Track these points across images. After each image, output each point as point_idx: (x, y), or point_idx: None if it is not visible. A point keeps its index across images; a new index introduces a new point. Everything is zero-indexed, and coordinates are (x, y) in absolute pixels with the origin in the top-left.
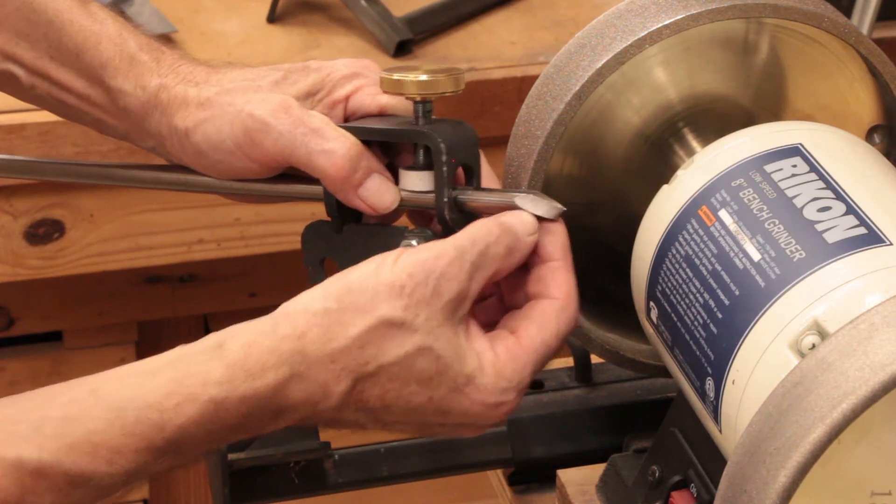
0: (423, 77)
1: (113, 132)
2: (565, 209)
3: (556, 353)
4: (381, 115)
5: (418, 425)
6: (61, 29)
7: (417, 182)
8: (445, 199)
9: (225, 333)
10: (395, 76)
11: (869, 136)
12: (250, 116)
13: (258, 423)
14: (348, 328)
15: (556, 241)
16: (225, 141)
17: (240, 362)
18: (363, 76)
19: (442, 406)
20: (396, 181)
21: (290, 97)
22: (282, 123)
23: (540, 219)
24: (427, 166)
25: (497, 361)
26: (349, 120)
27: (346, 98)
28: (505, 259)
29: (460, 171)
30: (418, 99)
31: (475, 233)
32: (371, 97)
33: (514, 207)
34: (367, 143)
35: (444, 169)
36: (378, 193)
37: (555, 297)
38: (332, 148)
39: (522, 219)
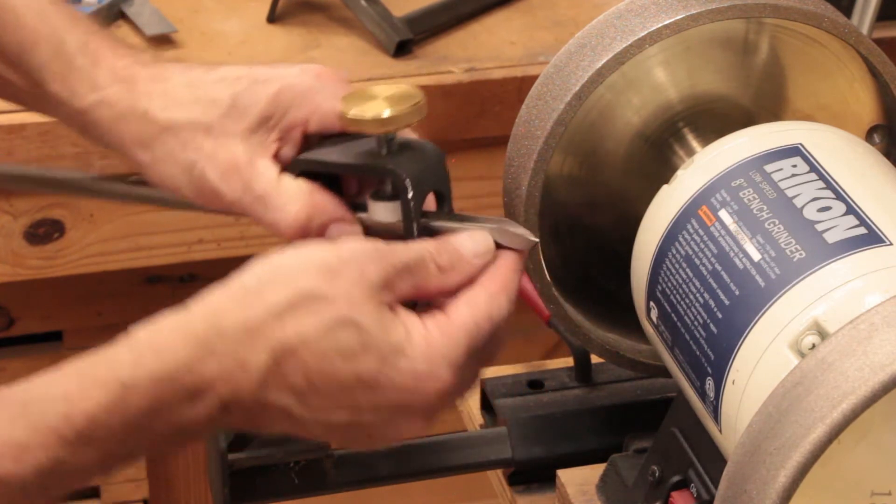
0: (385, 113)
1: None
2: (536, 241)
3: (492, 341)
4: (343, 133)
5: (349, 409)
6: (3, 26)
7: (386, 213)
8: (415, 234)
9: (135, 326)
10: (352, 113)
11: (869, 136)
12: (201, 178)
13: (175, 407)
14: (266, 300)
15: (507, 265)
16: (180, 189)
17: (147, 342)
18: (318, 91)
19: (370, 381)
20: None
21: (238, 145)
22: (232, 190)
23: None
24: (394, 197)
25: (427, 334)
26: (310, 141)
27: (304, 122)
28: (440, 275)
29: (431, 195)
30: (380, 134)
31: (413, 246)
32: (331, 117)
33: None
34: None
35: (411, 204)
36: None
37: (485, 285)
38: (277, 218)
39: (475, 240)
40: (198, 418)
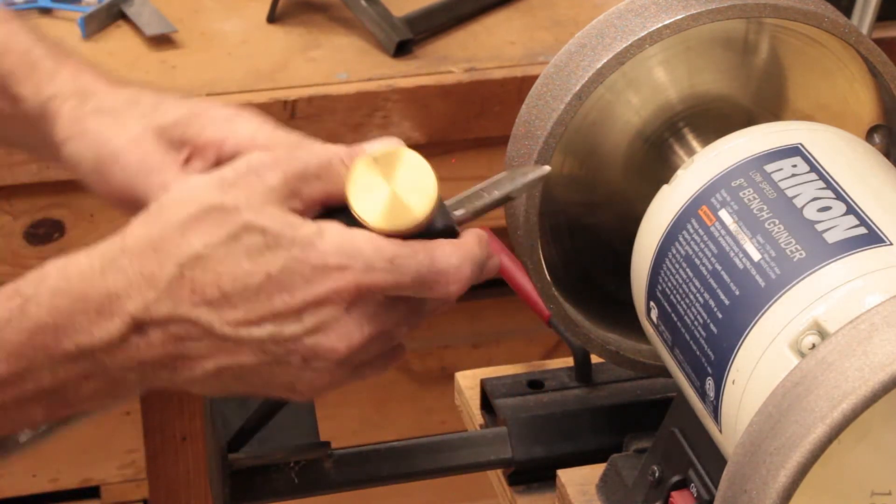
0: (419, 213)
1: (20, 144)
2: (548, 168)
3: (424, 276)
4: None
5: (271, 319)
6: None
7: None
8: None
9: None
10: (383, 224)
11: (869, 136)
12: (106, 144)
13: (80, 324)
14: (169, 218)
15: (477, 231)
16: (81, 164)
17: (55, 263)
18: (236, 118)
19: (283, 280)
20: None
21: (149, 130)
22: (131, 155)
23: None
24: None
25: (346, 230)
26: (221, 160)
27: (221, 142)
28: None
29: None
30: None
31: (326, 147)
32: (246, 142)
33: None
34: None
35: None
36: None
37: (451, 242)
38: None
39: (383, 141)
40: (110, 339)
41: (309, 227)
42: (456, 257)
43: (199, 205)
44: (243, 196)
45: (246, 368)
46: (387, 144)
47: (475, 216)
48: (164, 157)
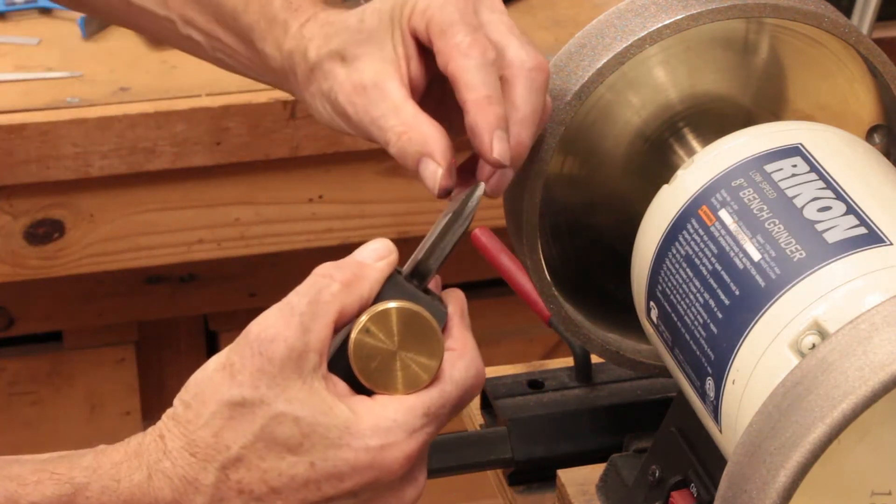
0: (429, 374)
1: (283, 88)
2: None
3: (456, 402)
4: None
5: (324, 501)
6: None
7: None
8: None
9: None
10: (376, 388)
11: (869, 136)
12: (335, 104)
13: None
14: (199, 421)
15: (454, 302)
16: (331, 121)
17: (108, 453)
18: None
19: (329, 469)
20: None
21: (367, 67)
22: (356, 112)
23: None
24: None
25: (375, 405)
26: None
27: (409, 23)
28: (346, 294)
29: None
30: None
31: (307, 282)
32: (433, 11)
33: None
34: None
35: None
36: (432, 176)
37: (449, 349)
38: (386, 140)
39: (370, 246)
40: None
41: (342, 412)
42: (469, 363)
43: (221, 403)
44: (264, 385)
45: None
46: (376, 249)
47: (444, 260)
48: (380, 82)
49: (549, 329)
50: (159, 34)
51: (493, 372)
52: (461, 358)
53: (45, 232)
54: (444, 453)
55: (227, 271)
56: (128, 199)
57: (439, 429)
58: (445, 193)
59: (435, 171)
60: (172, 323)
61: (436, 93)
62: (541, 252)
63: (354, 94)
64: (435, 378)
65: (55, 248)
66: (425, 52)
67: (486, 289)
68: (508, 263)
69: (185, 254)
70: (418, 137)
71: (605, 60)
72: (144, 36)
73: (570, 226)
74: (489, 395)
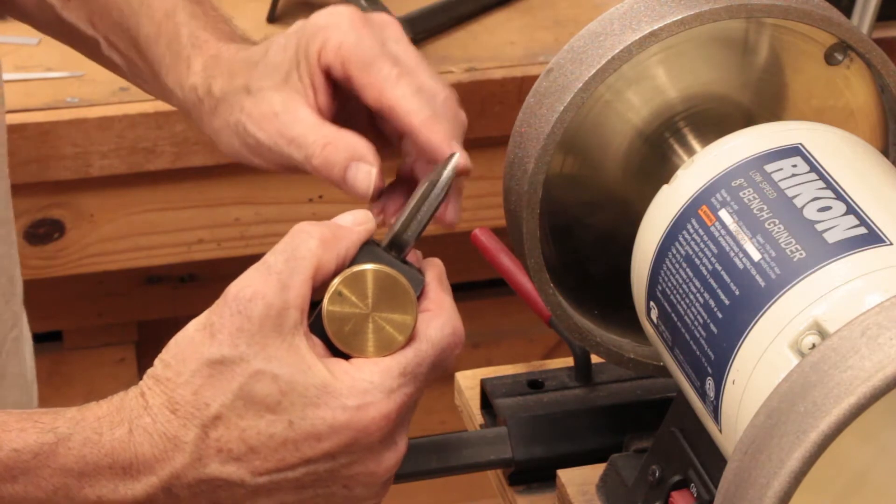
0: (402, 337)
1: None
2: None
3: (433, 360)
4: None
5: (301, 464)
6: (138, 21)
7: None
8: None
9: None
10: (351, 351)
11: (831, 57)
12: (245, 134)
13: (107, 476)
14: (179, 379)
15: (431, 269)
16: (238, 153)
17: (92, 408)
18: (329, 26)
19: (307, 429)
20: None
21: (273, 96)
22: (269, 137)
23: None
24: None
25: (351, 367)
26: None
27: (318, 57)
28: (323, 250)
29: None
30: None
31: (284, 240)
32: (346, 48)
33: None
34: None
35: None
36: (366, 178)
37: (425, 309)
38: (307, 156)
39: (350, 213)
40: (135, 498)
41: (320, 372)
42: (445, 321)
43: (201, 362)
44: (243, 344)
45: (288, 502)
46: (355, 215)
47: (421, 231)
48: (290, 106)
49: (549, 329)
50: (86, 52)
51: (493, 372)
52: (436, 317)
53: (45, 232)
54: (444, 453)
55: (227, 271)
56: (128, 199)
57: (420, 390)
58: (378, 195)
59: (369, 171)
60: (172, 323)
61: (343, 125)
62: (541, 252)
63: (264, 122)
64: (410, 339)
65: (55, 248)
66: (335, 87)
67: (486, 289)
68: (508, 263)
69: (185, 254)
70: (344, 145)
71: (605, 60)
72: (76, 51)
73: (570, 226)
74: (489, 395)
